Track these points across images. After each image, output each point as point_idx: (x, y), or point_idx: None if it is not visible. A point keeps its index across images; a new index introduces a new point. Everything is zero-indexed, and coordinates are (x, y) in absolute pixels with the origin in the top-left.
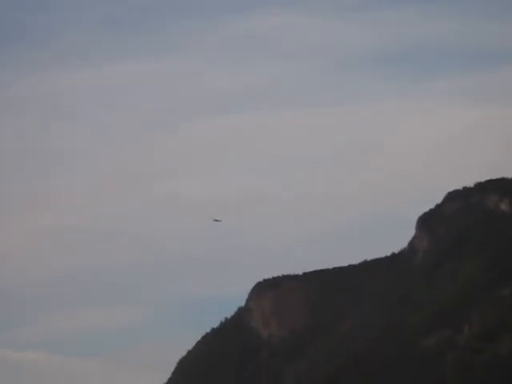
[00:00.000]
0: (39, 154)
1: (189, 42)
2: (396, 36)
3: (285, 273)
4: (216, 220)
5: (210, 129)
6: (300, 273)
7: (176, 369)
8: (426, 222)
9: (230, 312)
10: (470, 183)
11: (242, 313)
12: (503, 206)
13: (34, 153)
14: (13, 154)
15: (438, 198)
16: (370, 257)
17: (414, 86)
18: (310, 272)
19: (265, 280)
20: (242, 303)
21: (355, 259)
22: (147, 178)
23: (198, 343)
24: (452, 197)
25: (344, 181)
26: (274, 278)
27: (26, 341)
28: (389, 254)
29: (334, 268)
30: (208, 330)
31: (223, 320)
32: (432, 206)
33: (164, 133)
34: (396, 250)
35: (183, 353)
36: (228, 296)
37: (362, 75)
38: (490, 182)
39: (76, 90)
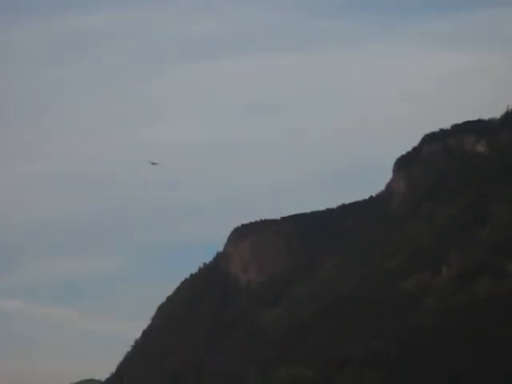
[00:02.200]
0: (25, 101)
1: None
2: None
3: (263, 218)
4: (153, 163)
5: (177, 77)
6: (278, 217)
7: (156, 315)
8: (403, 164)
9: (208, 258)
10: (447, 125)
11: (220, 258)
12: (480, 148)
13: (21, 99)
14: None
15: (415, 141)
16: (348, 200)
17: (388, 32)
18: (289, 216)
19: (243, 225)
20: (221, 248)
21: (333, 203)
22: (131, 123)
23: (177, 289)
24: (429, 139)
25: (321, 126)
26: (252, 223)
27: (1, 290)
28: (367, 197)
29: (313, 212)
30: (187, 276)
31: (202, 266)
32: (409, 148)
33: (144, 79)
34: (374, 193)
35: (163, 299)
36: (206, 241)
37: (335, 20)
38: (466, 123)
39: (64, 36)
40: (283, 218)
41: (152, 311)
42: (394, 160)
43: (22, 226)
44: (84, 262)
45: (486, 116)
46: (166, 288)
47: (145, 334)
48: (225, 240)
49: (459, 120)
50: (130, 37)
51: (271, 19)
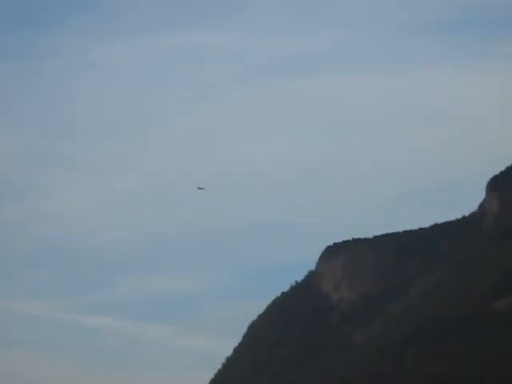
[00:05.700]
0: (115, 117)
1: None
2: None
3: (355, 236)
4: (200, 188)
5: (271, 94)
6: (371, 236)
7: (247, 333)
8: (497, 184)
9: (300, 276)
10: None
11: (312, 276)
12: None
13: (109, 116)
14: (87, 119)
15: (509, 160)
16: (440, 220)
17: (480, 51)
18: (381, 236)
19: (335, 244)
20: (313, 267)
21: (426, 222)
22: (211, 144)
23: (269, 307)
24: None
25: (416, 145)
26: (344, 242)
27: (92, 306)
28: (459, 216)
29: (405, 231)
30: (279, 295)
31: (294, 284)
32: (503, 168)
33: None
34: (466, 213)
35: (254, 317)
36: (299, 260)
37: (426, 40)
38: None
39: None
40: (376, 237)
41: (243, 329)
42: (487, 179)
43: (112, 243)
44: (173, 280)
45: None
46: (257, 306)
47: (236, 351)
48: (317, 259)
49: None
50: (216, 57)
51: (360, 39)
